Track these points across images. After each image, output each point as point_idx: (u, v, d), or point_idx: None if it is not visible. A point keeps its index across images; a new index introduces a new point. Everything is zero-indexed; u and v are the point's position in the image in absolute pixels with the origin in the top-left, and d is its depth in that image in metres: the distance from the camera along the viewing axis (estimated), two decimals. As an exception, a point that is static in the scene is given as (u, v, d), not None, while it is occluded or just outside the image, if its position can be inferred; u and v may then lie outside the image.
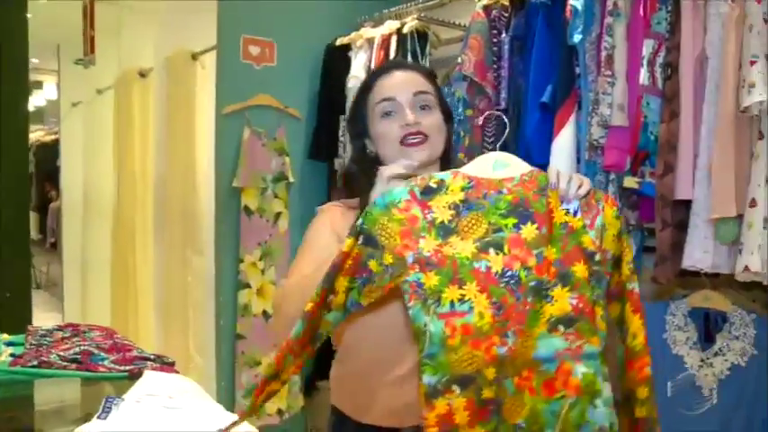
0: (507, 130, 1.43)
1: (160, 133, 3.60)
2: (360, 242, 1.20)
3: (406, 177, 1.28)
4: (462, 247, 1.16)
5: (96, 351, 1.68)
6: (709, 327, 2.01)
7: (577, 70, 2.13)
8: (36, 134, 6.23)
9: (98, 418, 1.27)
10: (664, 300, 2.13)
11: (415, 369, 1.27)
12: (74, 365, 1.57)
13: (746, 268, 1.79)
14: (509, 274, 1.15)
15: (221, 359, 3.04)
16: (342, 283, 1.21)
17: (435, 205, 1.20)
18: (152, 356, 1.70)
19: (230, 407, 3.00)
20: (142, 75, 3.87)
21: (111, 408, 1.30)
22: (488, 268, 1.15)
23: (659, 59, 1.98)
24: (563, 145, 2.12)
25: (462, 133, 2.36)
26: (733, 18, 1.81)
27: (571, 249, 1.17)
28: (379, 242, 1.18)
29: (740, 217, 1.83)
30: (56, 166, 5.25)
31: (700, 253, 1.90)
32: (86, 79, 4.39)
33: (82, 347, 1.68)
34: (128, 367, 1.60)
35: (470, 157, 2.33)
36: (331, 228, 1.45)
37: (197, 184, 3.34)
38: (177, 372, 1.66)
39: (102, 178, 4.35)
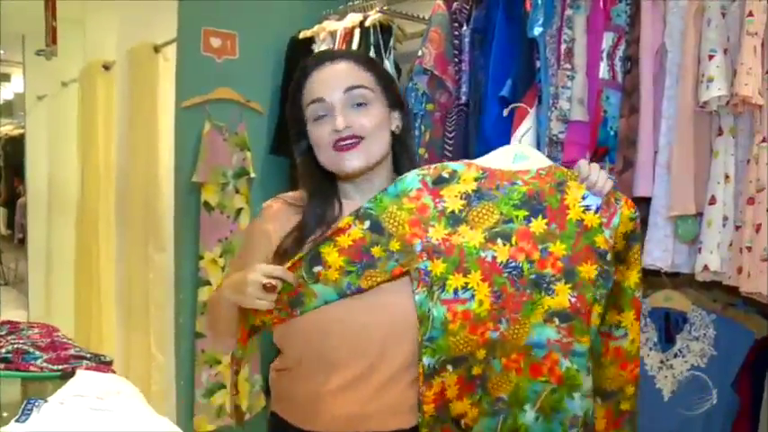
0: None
1: (123, 127, 3.52)
2: (365, 227, 1.24)
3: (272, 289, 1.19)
4: (471, 236, 1.22)
5: (31, 350, 1.61)
6: (669, 327, 1.97)
7: (538, 64, 2.08)
8: (5, 128, 6.11)
9: (16, 421, 1.21)
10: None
11: (362, 376, 1.28)
12: (2, 365, 1.51)
13: (706, 267, 1.76)
14: (512, 264, 1.21)
15: (180, 357, 2.97)
16: (335, 258, 1.24)
17: (447, 194, 1.24)
18: (89, 355, 1.64)
19: (189, 406, 2.95)
20: (106, 67, 3.79)
21: (31, 410, 1.24)
22: (494, 258, 1.21)
23: (619, 53, 1.94)
24: (522, 140, 2.07)
25: (423, 128, 2.30)
26: (692, 12, 1.78)
27: (582, 248, 1.22)
28: (387, 229, 1.23)
29: (700, 215, 1.79)
30: (24, 160, 5.15)
31: (659, 251, 1.86)
32: (52, 72, 4.30)
33: (16, 346, 1.62)
34: (61, 366, 1.54)
35: (431, 152, 2.28)
36: (270, 234, 1.37)
37: (159, 179, 3.26)
38: (114, 371, 1.59)
39: (67, 173, 4.27)
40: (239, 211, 2.99)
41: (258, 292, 1.18)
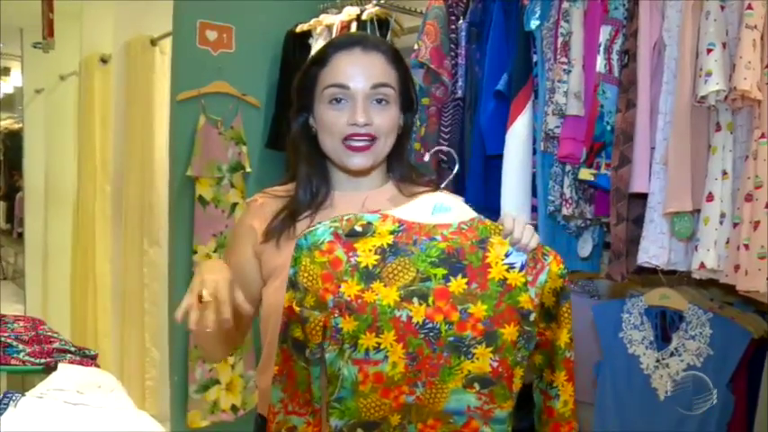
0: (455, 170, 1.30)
1: (119, 121, 3.49)
2: (291, 288, 1.16)
3: None
4: (385, 294, 1.13)
5: (14, 343, 1.60)
6: (665, 326, 1.94)
7: (534, 58, 2.05)
8: (5, 122, 6.10)
9: None
10: (619, 298, 2.07)
11: None
12: (-17, 359, 1.49)
13: (702, 265, 1.72)
14: (429, 326, 1.12)
15: (174, 353, 2.94)
16: (299, 333, 1.17)
17: (360, 248, 1.15)
18: (73, 349, 1.62)
19: (183, 401, 2.92)
20: (104, 61, 3.75)
21: (8, 404, 1.22)
22: (409, 318, 1.12)
23: (616, 47, 1.90)
24: (518, 135, 2.06)
25: (418, 122, 2.27)
26: (690, 5, 1.74)
27: (504, 309, 1.14)
28: (301, 284, 1.15)
29: (697, 212, 1.76)
30: (22, 154, 5.13)
31: (655, 249, 1.83)
32: (49, 65, 4.27)
33: (-1, 339, 1.60)
34: (43, 360, 1.52)
35: (426, 147, 2.26)
36: (256, 230, 1.35)
37: (154, 174, 3.25)
38: (98, 365, 1.58)
39: (65, 167, 4.24)
40: (234, 205, 2.97)
41: (191, 298, 1.13)
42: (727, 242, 1.70)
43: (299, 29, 2.93)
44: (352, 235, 1.16)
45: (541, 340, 1.20)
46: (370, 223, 1.17)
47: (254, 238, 1.34)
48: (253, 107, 3.01)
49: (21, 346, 1.57)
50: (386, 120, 1.28)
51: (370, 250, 1.15)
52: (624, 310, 1.99)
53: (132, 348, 3.37)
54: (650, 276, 2.00)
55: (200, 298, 1.13)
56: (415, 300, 1.13)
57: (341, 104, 1.27)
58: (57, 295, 4.35)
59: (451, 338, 1.12)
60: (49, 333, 1.71)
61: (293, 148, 1.38)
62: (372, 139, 1.27)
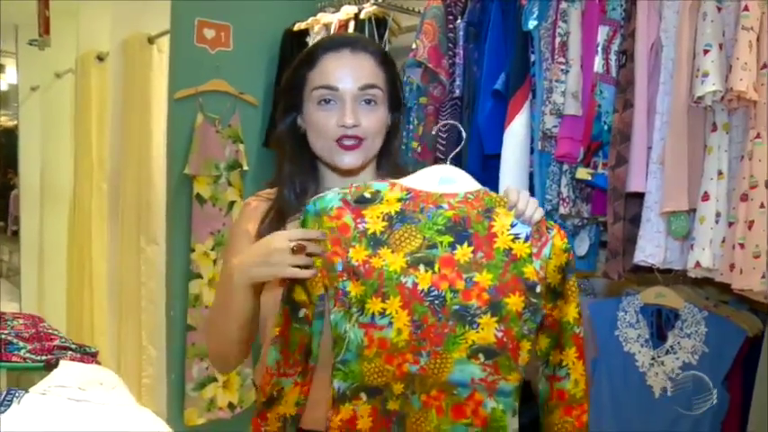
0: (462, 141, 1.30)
1: (116, 118, 3.49)
2: None
3: None
4: (392, 260, 1.14)
5: (15, 340, 1.60)
6: (661, 324, 1.96)
7: (532, 57, 2.07)
8: (0, 119, 6.09)
9: None
10: (616, 296, 2.08)
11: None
12: (-15, 355, 1.50)
13: (698, 264, 1.74)
14: (434, 293, 1.13)
15: (172, 350, 2.95)
16: (301, 294, 1.19)
17: (369, 215, 1.17)
18: (74, 346, 1.63)
19: (180, 399, 2.93)
20: (100, 58, 3.75)
21: (11, 400, 1.22)
22: (415, 284, 1.13)
23: (614, 47, 1.92)
24: (515, 134, 2.06)
25: (416, 121, 2.29)
26: (687, 6, 1.76)
27: (510, 279, 1.14)
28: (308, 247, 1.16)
29: (693, 211, 1.78)
30: (17, 152, 5.12)
31: (652, 247, 1.85)
32: (45, 63, 4.26)
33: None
34: (44, 357, 1.52)
35: (424, 145, 2.27)
36: (251, 234, 1.35)
37: (151, 172, 3.25)
38: (99, 362, 1.58)
39: (60, 165, 4.23)
40: (232, 204, 2.98)
41: (289, 257, 1.14)
42: (723, 241, 1.72)
43: (296, 27, 2.94)
44: (361, 201, 1.18)
45: (548, 321, 1.21)
46: (378, 191, 1.19)
47: (249, 241, 1.35)
48: (250, 105, 3.02)
49: (21, 344, 1.57)
50: (373, 120, 1.30)
51: (378, 217, 1.17)
52: (620, 309, 2.00)
53: (129, 346, 3.37)
54: (646, 275, 2.01)
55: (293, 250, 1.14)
56: (422, 266, 1.13)
57: (330, 105, 1.29)
58: (52, 293, 4.34)
59: (456, 307, 1.12)
60: (50, 330, 1.72)
61: (280, 146, 1.40)
62: (361, 139, 1.29)
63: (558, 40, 1.97)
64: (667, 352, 1.91)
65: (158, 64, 3.25)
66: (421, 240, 1.15)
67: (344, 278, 1.15)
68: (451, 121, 1.38)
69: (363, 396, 1.15)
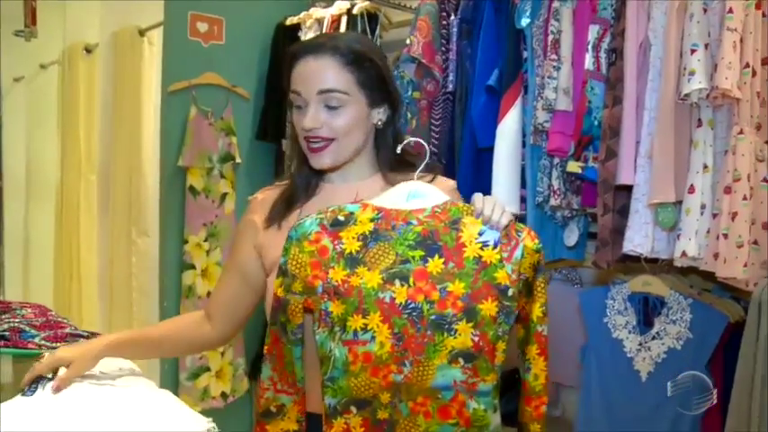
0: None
1: (106, 111, 3.49)
2: (281, 275, 1.26)
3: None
4: (369, 278, 1.20)
5: (27, 328, 1.63)
6: (648, 311, 2.04)
7: (524, 54, 2.14)
8: (-20, 111, 6.01)
9: (23, 395, 1.24)
10: (605, 285, 2.17)
11: None
12: (1, 342, 1.52)
13: (684, 253, 1.82)
14: (412, 306, 1.19)
15: (165, 341, 2.98)
16: (282, 315, 1.26)
17: (345, 236, 1.23)
18: (85, 333, 1.66)
19: (174, 389, 2.96)
20: (88, 50, 3.74)
21: (37, 386, 1.27)
22: (392, 299, 1.19)
23: (604, 45, 2.00)
24: (508, 128, 2.13)
25: (409, 115, 2.34)
26: (675, 7, 1.84)
27: (481, 285, 1.20)
28: (290, 272, 1.24)
29: (679, 203, 1.86)
30: (1, 143, 5.08)
31: (640, 238, 1.93)
32: (29, 53, 4.23)
33: (11, 324, 1.63)
34: (58, 344, 1.55)
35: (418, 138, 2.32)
36: (256, 223, 1.41)
37: (142, 164, 3.26)
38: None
39: (46, 157, 4.21)
40: (224, 195, 3.02)
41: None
42: (708, 232, 1.81)
43: (288, 22, 2.98)
44: (336, 225, 1.24)
45: (522, 314, 1.27)
46: (351, 213, 1.25)
47: (255, 232, 1.40)
48: (243, 99, 3.06)
49: (33, 331, 1.60)
50: (339, 121, 1.32)
51: (354, 237, 1.23)
52: (609, 297, 2.08)
53: (120, 337, 3.39)
54: (632, 264, 2.10)
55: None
56: (397, 281, 1.19)
57: (301, 110, 1.33)
58: (38, 287, 4.31)
59: (433, 317, 1.18)
60: (59, 319, 1.74)
61: (289, 143, 1.47)
62: (329, 140, 1.32)
63: (550, 37, 2.04)
64: (654, 337, 2.00)
65: (149, 56, 3.25)
66: (394, 257, 1.21)
67: (326, 299, 1.21)
68: (413, 140, 1.38)
69: (353, 409, 1.21)
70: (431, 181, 1.34)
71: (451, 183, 1.44)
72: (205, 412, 2.94)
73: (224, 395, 3.05)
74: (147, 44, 3.25)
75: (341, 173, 1.40)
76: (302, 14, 2.92)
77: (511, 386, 1.38)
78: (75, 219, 3.80)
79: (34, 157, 4.45)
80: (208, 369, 3.01)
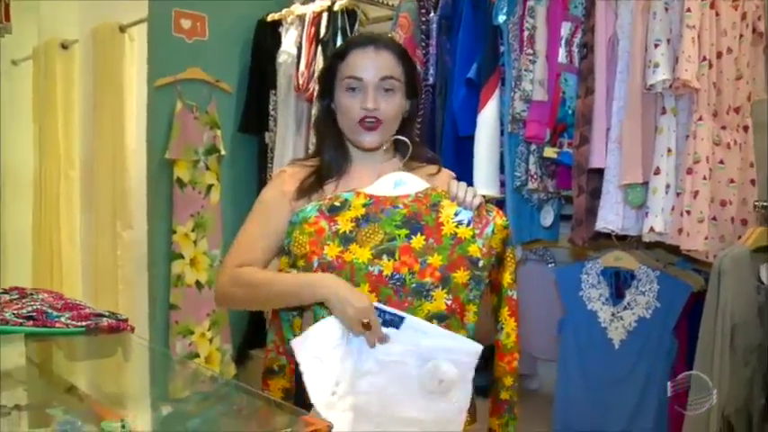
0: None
1: (87, 107, 3.55)
2: (284, 254, 1.47)
3: None
4: (360, 254, 1.39)
5: (50, 310, 1.70)
6: (619, 284, 2.22)
7: (501, 49, 2.29)
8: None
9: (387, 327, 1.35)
10: (580, 261, 2.34)
11: None
12: (30, 322, 1.61)
13: (651, 229, 2.00)
14: (396, 277, 1.39)
15: (155, 329, 3.07)
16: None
17: (340, 219, 1.42)
18: (107, 313, 1.74)
19: (164, 375, 3.05)
20: (64, 46, 3.79)
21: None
22: (380, 272, 1.39)
23: (576, 40, 2.16)
24: (488, 118, 2.29)
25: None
26: (639, 5, 2.01)
27: (456, 257, 1.40)
28: (293, 251, 1.43)
29: (647, 183, 2.03)
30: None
31: (612, 216, 2.09)
32: (2, 49, 4.24)
33: (34, 306, 1.71)
34: (84, 323, 1.64)
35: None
36: (287, 195, 1.52)
37: (126, 159, 3.34)
38: (132, 327, 1.71)
39: (21, 153, 4.23)
40: (210, 187, 3.12)
41: (360, 318, 1.34)
42: (672, 209, 1.99)
43: (269, 18, 3.08)
44: (333, 210, 1.43)
45: (495, 283, 1.48)
46: (346, 200, 1.44)
47: (288, 200, 1.52)
48: (226, 93, 3.16)
49: (57, 313, 1.69)
50: (391, 105, 1.50)
51: (348, 220, 1.42)
52: (584, 272, 2.25)
53: (105, 328, 3.45)
54: (604, 241, 2.27)
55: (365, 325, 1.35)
56: (385, 256, 1.39)
57: (355, 92, 1.50)
58: (15, 280, 4.34)
59: (414, 285, 1.38)
60: (76, 301, 1.83)
61: (317, 127, 1.65)
62: (380, 121, 1.49)
63: (525, 33, 2.20)
64: (625, 308, 2.17)
65: (130, 52, 3.33)
66: (383, 235, 1.40)
67: (320, 273, 1.39)
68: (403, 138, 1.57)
69: None
70: (437, 172, 1.56)
71: (452, 174, 1.61)
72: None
73: (213, 380, 3.14)
74: (128, 40, 3.33)
75: (368, 155, 1.55)
76: (283, 11, 3.03)
77: (489, 364, 1.53)
78: (55, 214, 3.84)
79: (8, 152, 4.45)
80: (197, 355, 3.11)
